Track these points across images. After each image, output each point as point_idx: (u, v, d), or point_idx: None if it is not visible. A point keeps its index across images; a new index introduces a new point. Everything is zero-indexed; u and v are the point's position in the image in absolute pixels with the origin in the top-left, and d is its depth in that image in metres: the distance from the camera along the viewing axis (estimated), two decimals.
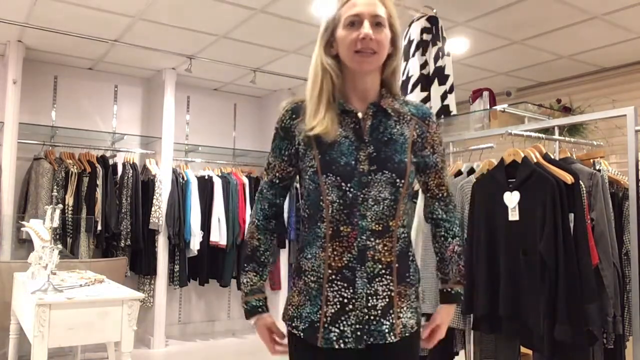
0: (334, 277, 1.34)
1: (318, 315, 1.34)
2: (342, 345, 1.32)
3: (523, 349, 2.51)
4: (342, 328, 1.32)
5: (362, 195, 1.33)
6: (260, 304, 1.47)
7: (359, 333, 1.32)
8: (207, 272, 5.19)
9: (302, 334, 1.36)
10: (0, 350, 3.79)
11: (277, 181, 1.47)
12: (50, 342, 2.33)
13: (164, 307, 4.98)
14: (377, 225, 1.34)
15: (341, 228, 1.33)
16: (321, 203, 1.35)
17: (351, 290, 1.33)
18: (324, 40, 1.40)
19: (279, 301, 5.57)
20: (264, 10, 3.77)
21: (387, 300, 1.35)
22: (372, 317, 1.33)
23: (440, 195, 1.52)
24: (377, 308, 1.34)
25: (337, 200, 1.33)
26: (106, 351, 3.50)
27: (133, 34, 4.25)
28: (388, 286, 1.35)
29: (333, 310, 1.33)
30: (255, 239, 1.47)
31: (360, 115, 1.39)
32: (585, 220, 2.19)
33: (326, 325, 1.33)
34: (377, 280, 1.34)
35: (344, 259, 1.33)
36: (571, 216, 2.16)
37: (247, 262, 1.47)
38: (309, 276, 1.37)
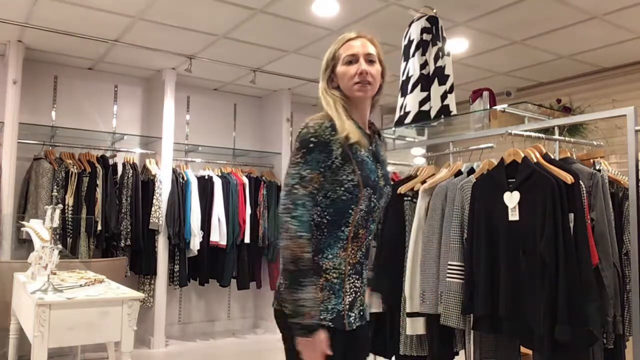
0: (350, 271, 1.60)
1: (342, 306, 1.57)
2: (355, 326, 1.59)
3: (523, 349, 2.50)
4: (355, 312, 1.60)
5: (378, 205, 1.64)
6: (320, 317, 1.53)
7: (362, 313, 1.64)
8: (207, 272, 5.19)
9: (330, 324, 1.54)
10: (0, 350, 3.79)
11: (316, 192, 1.56)
12: (50, 342, 2.33)
13: (164, 307, 4.98)
14: (375, 227, 1.69)
15: (359, 231, 1.61)
16: (350, 211, 1.57)
17: (360, 281, 1.63)
18: (326, 76, 1.68)
19: None
20: (264, 10, 3.77)
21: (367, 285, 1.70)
22: (365, 300, 1.67)
23: None
24: (365, 293, 1.68)
25: (365, 209, 1.59)
26: (106, 351, 3.51)
27: (133, 34, 4.25)
28: (366, 275, 1.70)
29: (350, 299, 1.59)
30: (307, 253, 1.49)
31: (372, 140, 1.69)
32: (585, 220, 2.19)
33: (347, 312, 1.58)
34: (367, 270, 1.69)
35: (357, 256, 1.62)
36: (571, 216, 2.16)
37: (304, 277, 1.48)
38: (331, 273, 1.58)
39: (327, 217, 1.56)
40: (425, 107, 2.99)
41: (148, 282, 4.97)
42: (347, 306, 1.57)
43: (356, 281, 1.61)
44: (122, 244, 4.73)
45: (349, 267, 1.59)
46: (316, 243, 1.56)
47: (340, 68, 1.64)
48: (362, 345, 1.67)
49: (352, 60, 1.62)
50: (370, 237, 1.65)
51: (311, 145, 1.53)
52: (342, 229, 1.57)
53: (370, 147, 1.65)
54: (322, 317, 1.53)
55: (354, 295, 1.60)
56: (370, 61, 1.63)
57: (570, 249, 2.12)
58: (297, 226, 1.48)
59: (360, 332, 1.62)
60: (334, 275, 1.57)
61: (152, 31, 4.19)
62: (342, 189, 1.56)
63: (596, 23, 3.89)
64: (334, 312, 1.55)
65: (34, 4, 3.72)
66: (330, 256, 1.57)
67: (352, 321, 1.58)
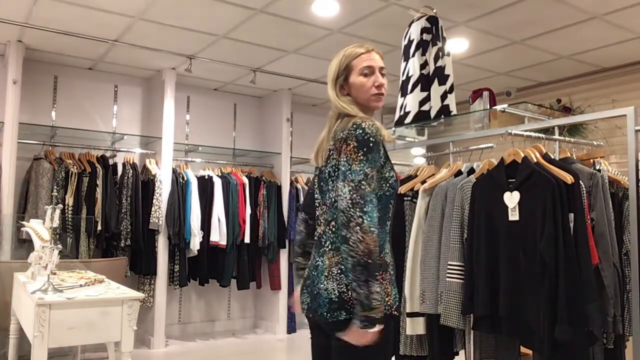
0: (393, 263, 1.74)
1: (396, 296, 1.70)
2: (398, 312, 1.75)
3: (523, 349, 2.51)
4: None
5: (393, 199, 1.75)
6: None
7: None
8: (207, 272, 5.19)
9: (395, 312, 1.69)
10: (0, 350, 3.79)
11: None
12: (50, 342, 2.33)
13: (164, 307, 4.98)
14: None
15: (388, 223, 1.74)
16: (390, 205, 1.71)
17: (394, 272, 1.75)
18: (338, 85, 1.78)
19: (279, 301, 5.57)
20: (264, 10, 3.77)
21: None
22: None
23: None
24: None
25: (393, 204, 1.74)
26: (106, 351, 3.50)
27: (133, 34, 4.25)
28: None
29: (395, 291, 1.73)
30: (377, 248, 1.55)
31: None
32: (585, 220, 2.19)
33: (396, 302, 1.71)
34: None
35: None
36: (571, 216, 2.16)
37: (378, 270, 1.55)
38: (390, 268, 1.71)
39: (378, 213, 1.61)
40: (425, 107, 2.99)
41: (148, 282, 4.97)
42: (395, 296, 1.71)
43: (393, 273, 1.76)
44: (122, 244, 4.73)
45: (392, 260, 1.74)
46: (374, 241, 1.60)
47: (356, 79, 1.76)
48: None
49: (369, 72, 1.76)
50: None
51: (371, 144, 1.61)
52: (387, 223, 1.71)
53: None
54: (395, 310, 1.67)
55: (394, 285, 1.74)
56: (382, 74, 1.79)
57: (570, 249, 2.12)
58: (369, 221, 1.52)
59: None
60: (391, 269, 1.72)
61: (152, 31, 4.19)
62: (387, 185, 1.69)
63: (596, 23, 3.89)
64: (396, 301, 1.69)
65: (34, 4, 3.72)
66: (387, 251, 1.71)
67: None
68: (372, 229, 1.52)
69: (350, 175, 1.57)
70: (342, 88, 1.78)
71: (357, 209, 1.52)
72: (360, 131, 1.61)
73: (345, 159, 1.60)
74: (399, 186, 1.72)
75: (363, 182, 1.56)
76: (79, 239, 4.48)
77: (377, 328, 1.51)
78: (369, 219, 1.52)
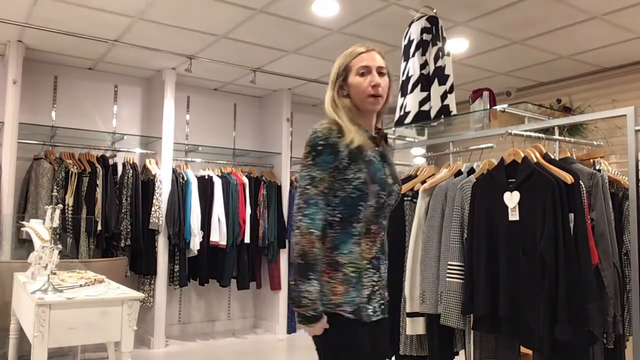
0: (367, 266, 1.70)
1: (359, 298, 1.66)
2: (375, 318, 1.69)
3: (523, 349, 2.51)
4: (373, 305, 1.69)
5: (387, 202, 1.74)
6: (322, 308, 1.63)
7: (383, 307, 1.73)
8: (207, 272, 5.19)
9: (351, 316, 1.65)
10: (0, 350, 3.79)
11: (327, 191, 1.67)
12: (50, 342, 2.33)
13: (164, 307, 4.98)
14: (387, 223, 1.78)
15: (371, 227, 1.71)
16: (360, 207, 1.67)
17: (378, 275, 1.73)
18: (337, 85, 1.77)
19: (279, 301, 5.57)
20: (264, 10, 3.77)
21: (386, 280, 1.79)
22: (386, 295, 1.78)
23: None
24: (386, 287, 1.78)
25: (374, 205, 1.69)
26: (106, 351, 3.50)
27: (133, 34, 4.25)
28: (386, 269, 1.80)
29: (367, 292, 1.68)
30: (316, 249, 1.61)
31: (378, 140, 1.79)
32: (585, 220, 2.19)
33: (366, 305, 1.67)
34: (385, 265, 1.78)
35: (372, 250, 1.72)
36: (571, 216, 2.16)
37: (312, 271, 1.60)
38: (347, 268, 1.67)
39: (339, 214, 1.67)
40: (425, 107, 2.99)
41: (148, 282, 4.97)
42: (365, 299, 1.67)
43: (373, 275, 1.71)
44: (122, 244, 4.73)
45: (365, 262, 1.69)
46: (331, 240, 1.67)
47: (353, 79, 1.74)
48: (386, 338, 1.81)
49: (365, 72, 1.73)
50: (384, 233, 1.76)
51: (319, 147, 1.66)
52: (354, 225, 1.68)
53: (377, 148, 1.77)
54: (342, 309, 1.64)
55: (371, 288, 1.69)
56: (380, 73, 1.75)
57: (570, 249, 2.12)
58: (307, 223, 1.60)
59: (382, 325, 1.75)
60: (351, 269, 1.67)
61: (152, 31, 4.19)
62: (351, 186, 1.66)
63: (596, 23, 3.89)
64: (354, 305, 1.65)
65: (34, 4, 3.72)
66: (345, 251, 1.67)
67: (371, 313, 1.68)
68: (310, 230, 1.59)
69: (300, 180, 1.68)
70: (342, 89, 1.77)
71: (300, 213, 1.62)
72: (313, 135, 1.67)
73: (301, 165, 1.71)
74: (375, 188, 1.68)
75: (308, 187, 1.64)
76: (79, 239, 4.48)
77: (316, 325, 1.60)
78: (308, 221, 1.60)
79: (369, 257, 1.70)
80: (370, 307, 1.68)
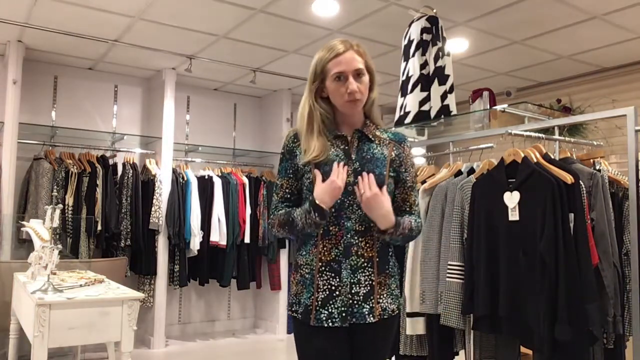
0: (323, 268, 1.65)
1: (311, 300, 1.65)
2: (330, 324, 1.62)
3: (523, 349, 2.50)
4: (330, 310, 1.63)
5: (348, 202, 1.66)
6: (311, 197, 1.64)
7: (344, 314, 1.63)
8: (207, 272, 5.19)
9: (299, 317, 1.66)
10: (0, 350, 3.79)
11: (289, 196, 1.74)
12: (50, 342, 2.33)
13: (164, 307, 4.98)
14: (360, 226, 1.67)
15: (330, 228, 1.66)
16: None
17: (337, 280, 1.64)
18: (314, 87, 1.72)
19: (279, 301, 5.57)
20: (264, 10, 3.77)
21: (369, 288, 1.66)
22: (355, 302, 1.64)
23: (405, 208, 1.76)
24: (360, 294, 1.65)
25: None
26: (106, 351, 3.50)
27: (133, 34, 4.25)
28: (370, 276, 1.67)
29: (323, 296, 1.64)
30: (281, 214, 1.71)
31: (349, 138, 1.73)
32: (585, 220, 2.19)
33: (318, 308, 1.63)
34: (360, 271, 1.66)
35: (332, 253, 1.65)
36: (571, 216, 2.16)
37: (286, 217, 1.68)
38: (304, 269, 1.69)
39: None
40: (425, 107, 2.99)
41: (148, 282, 4.97)
42: (319, 302, 1.64)
43: (332, 279, 1.64)
44: (122, 244, 4.73)
45: (320, 264, 1.66)
46: (299, 242, 1.74)
47: (330, 84, 1.69)
48: (341, 346, 1.65)
49: (341, 76, 1.67)
50: (349, 236, 1.65)
51: (281, 155, 1.77)
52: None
53: (345, 147, 1.71)
54: (293, 309, 1.69)
55: (328, 292, 1.64)
56: (358, 75, 1.68)
57: (570, 249, 2.12)
58: (271, 222, 1.76)
59: (340, 333, 1.64)
60: (306, 270, 1.68)
61: (152, 31, 4.19)
62: (305, 188, 1.71)
63: (596, 23, 3.89)
64: (303, 306, 1.66)
65: (34, 4, 3.72)
66: (304, 252, 1.70)
67: (324, 318, 1.63)
68: (272, 227, 1.76)
69: None
70: (322, 90, 1.72)
71: (269, 220, 1.81)
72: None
73: None
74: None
75: (274, 195, 1.78)
76: (79, 239, 4.48)
77: (327, 199, 1.61)
78: (270, 222, 1.77)
79: (327, 259, 1.65)
80: (325, 311, 1.62)
